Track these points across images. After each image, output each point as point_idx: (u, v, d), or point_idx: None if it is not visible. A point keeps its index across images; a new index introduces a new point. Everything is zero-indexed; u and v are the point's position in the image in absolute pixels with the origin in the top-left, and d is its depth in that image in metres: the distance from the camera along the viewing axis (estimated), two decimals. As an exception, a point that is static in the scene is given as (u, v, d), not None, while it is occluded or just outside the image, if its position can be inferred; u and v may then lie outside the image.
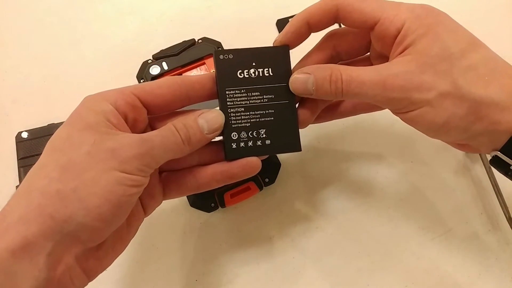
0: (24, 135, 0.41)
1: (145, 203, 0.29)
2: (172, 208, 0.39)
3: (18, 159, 0.41)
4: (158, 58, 0.42)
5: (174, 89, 0.28)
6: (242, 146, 0.29)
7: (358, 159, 0.41)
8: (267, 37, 0.46)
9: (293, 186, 0.40)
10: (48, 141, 0.25)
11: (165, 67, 0.41)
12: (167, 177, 0.31)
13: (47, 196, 0.23)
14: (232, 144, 0.29)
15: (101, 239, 0.25)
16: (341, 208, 0.40)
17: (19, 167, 0.40)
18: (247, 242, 0.39)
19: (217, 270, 0.38)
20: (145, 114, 0.28)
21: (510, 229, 0.38)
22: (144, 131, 0.28)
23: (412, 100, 0.26)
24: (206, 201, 0.37)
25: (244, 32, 0.46)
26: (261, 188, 0.38)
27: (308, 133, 0.42)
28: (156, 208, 0.38)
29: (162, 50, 0.42)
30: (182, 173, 0.30)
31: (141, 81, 0.41)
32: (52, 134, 0.40)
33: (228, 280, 0.37)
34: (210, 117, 0.28)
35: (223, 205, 0.37)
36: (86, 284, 0.26)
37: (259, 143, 0.30)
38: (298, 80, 0.29)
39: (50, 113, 0.43)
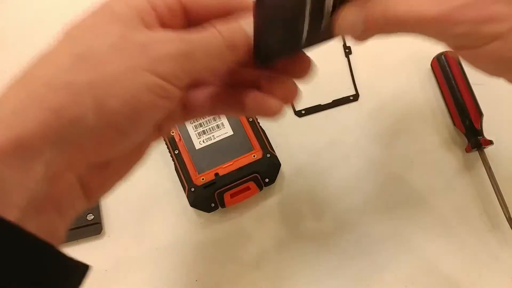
0: (24, 135, 0.41)
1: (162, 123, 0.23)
2: (172, 208, 0.39)
3: (18, 159, 0.40)
4: None
5: (223, 2, 0.23)
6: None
7: (358, 159, 0.41)
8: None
9: (293, 186, 0.40)
10: (64, 29, 0.20)
11: None
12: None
13: (53, 87, 0.18)
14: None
15: (108, 155, 0.20)
16: (341, 208, 0.40)
17: (19, 167, 0.40)
18: (247, 242, 0.39)
19: (217, 270, 0.38)
20: (182, 25, 0.22)
21: (510, 229, 0.38)
22: None
23: (481, 34, 0.22)
24: (206, 201, 0.37)
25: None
26: (261, 188, 0.38)
27: (308, 133, 0.42)
28: (156, 209, 0.38)
29: None
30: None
31: None
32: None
33: (228, 280, 0.37)
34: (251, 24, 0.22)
35: (223, 205, 0.37)
36: (84, 208, 0.22)
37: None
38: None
39: (50, 113, 0.43)
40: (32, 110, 0.17)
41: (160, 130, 0.24)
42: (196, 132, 0.40)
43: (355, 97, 0.43)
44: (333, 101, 0.43)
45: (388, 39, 0.47)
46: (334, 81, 0.44)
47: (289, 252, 0.38)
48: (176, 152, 0.38)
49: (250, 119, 0.40)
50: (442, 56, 0.42)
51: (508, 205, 0.38)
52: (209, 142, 0.39)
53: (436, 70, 0.43)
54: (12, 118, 0.17)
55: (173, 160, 0.39)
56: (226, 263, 0.38)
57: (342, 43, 0.45)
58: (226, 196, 0.37)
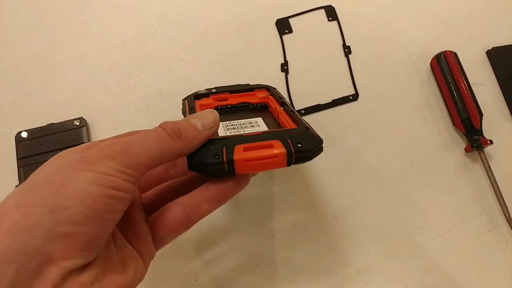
0: (24, 134, 0.41)
1: (135, 245, 0.26)
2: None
3: (17, 159, 0.41)
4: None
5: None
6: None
7: (358, 159, 0.41)
8: (267, 37, 0.46)
9: (292, 186, 0.40)
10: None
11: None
12: (152, 218, 0.27)
13: (3, 209, 0.19)
14: None
15: (80, 253, 0.20)
16: (340, 207, 0.40)
17: (18, 167, 0.40)
18: (247, 241, 0.39)
19: (216, 270, 0.38)
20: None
21: (510, 229, 0.38)
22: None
23: None
24: (209, 155, 0.25)
25: (243, 32, 0.46)
26: (289, 164, 0.26)
27: (307, 133, 0.42)
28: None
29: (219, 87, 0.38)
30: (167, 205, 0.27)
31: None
32: (52, 134, 0.41)
33: (227, 280, 0.37)
34: (203, 116, 0.26)
35: (231, 168, 0.25)
36: None
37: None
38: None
39: (49, 113, 0.43)
40: None
41: (141, 256, 0.26)
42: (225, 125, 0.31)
43: (355, 96, 0.43)
44: (333, 100, 0.43)
45: (387, 39, 0.48)
46: (333, 81, 0.44)
47: (289, 252, 0.38)
48: None
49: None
50: (442, 55, 0.42)
51: (507, 205, 0.38)
52: (235, 133, 0.30)
53: (435, 69, 0.43)
54: None
55: None
56: (226, 263, 0.38)
57: (342, 43, 0.45)
58: (238, 151, 0.25)
